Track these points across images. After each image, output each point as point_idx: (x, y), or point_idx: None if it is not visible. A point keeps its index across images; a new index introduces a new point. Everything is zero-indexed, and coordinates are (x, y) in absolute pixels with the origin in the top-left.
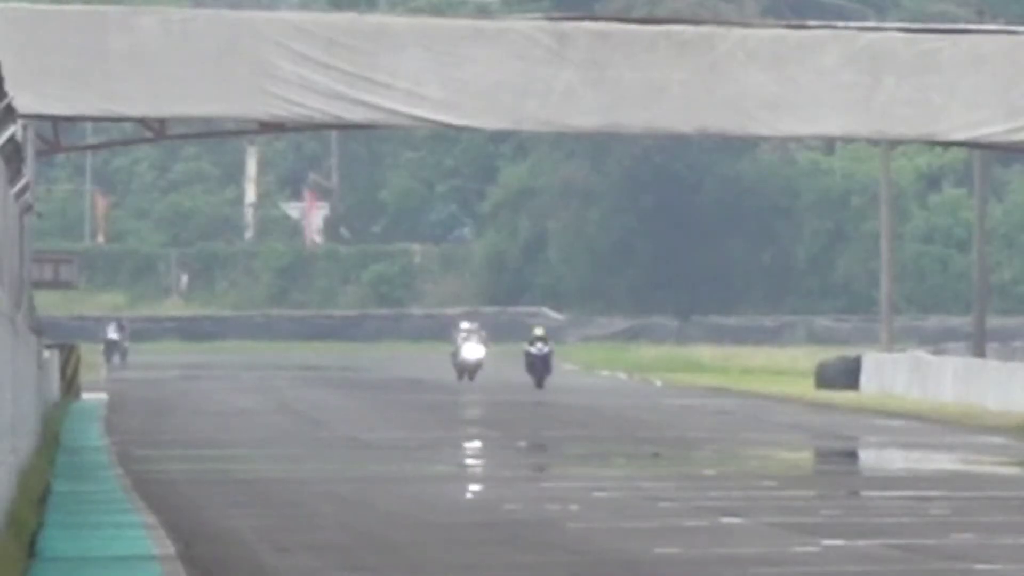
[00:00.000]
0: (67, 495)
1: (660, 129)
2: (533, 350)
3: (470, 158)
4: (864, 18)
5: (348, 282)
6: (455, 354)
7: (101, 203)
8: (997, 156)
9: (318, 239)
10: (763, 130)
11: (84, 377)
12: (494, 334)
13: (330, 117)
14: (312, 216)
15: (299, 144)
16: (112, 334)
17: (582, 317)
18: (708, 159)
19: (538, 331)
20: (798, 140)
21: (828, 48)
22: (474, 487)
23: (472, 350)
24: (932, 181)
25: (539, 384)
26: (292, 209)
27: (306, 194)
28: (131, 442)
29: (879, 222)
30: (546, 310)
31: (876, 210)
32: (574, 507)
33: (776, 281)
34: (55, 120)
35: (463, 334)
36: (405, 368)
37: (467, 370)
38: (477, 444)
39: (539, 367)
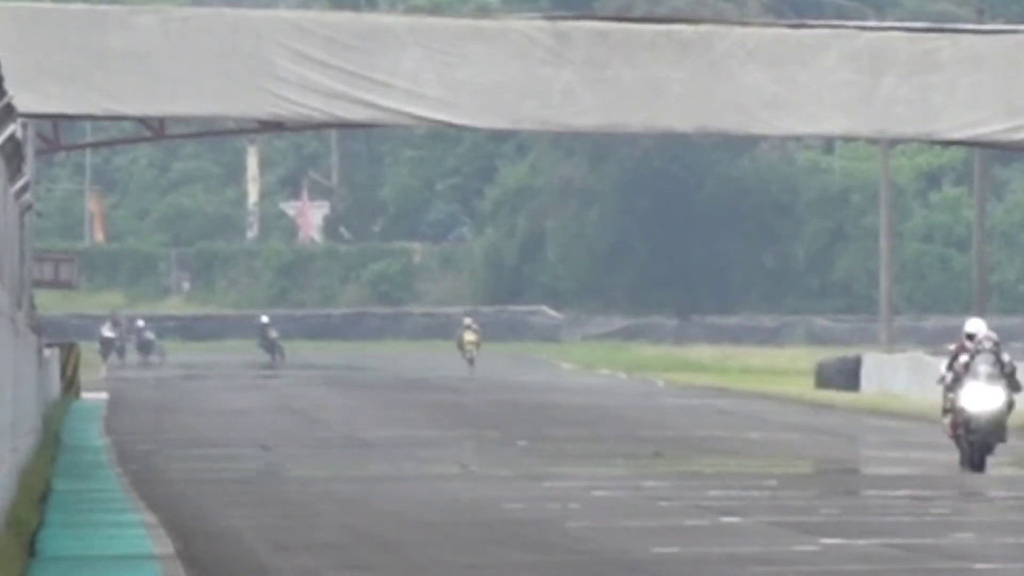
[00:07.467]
0: (67, 494)
1: (660, 129)
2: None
3: (470, 157)
4: (864, 18)
5: (348, 281)
6: (954, 406)
7: (97, 203)
8: (997, 155)
9: (316, 237)
10: (763, 129)
11: (84, 376)
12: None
13: (330, 116)
14: (307, 215)
15: (299, 144)
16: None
17: (581, 316)
18: (707, 158)
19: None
20: (798, 139)
21: (828, 47)
22: (474, 487)
23: (983, 396)
24: (932, 180)
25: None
26: (291, 208)
27: (303, 193)
28: (131, 441)
29: (879, 221)
30: (545, 308)
31: (876, 209)
32: (574, 506)
33: (776, 281)
34: (55, 119)
35: (974, 363)
36: (407, 367)
37: (974, 440)
38: (477, 443)
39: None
